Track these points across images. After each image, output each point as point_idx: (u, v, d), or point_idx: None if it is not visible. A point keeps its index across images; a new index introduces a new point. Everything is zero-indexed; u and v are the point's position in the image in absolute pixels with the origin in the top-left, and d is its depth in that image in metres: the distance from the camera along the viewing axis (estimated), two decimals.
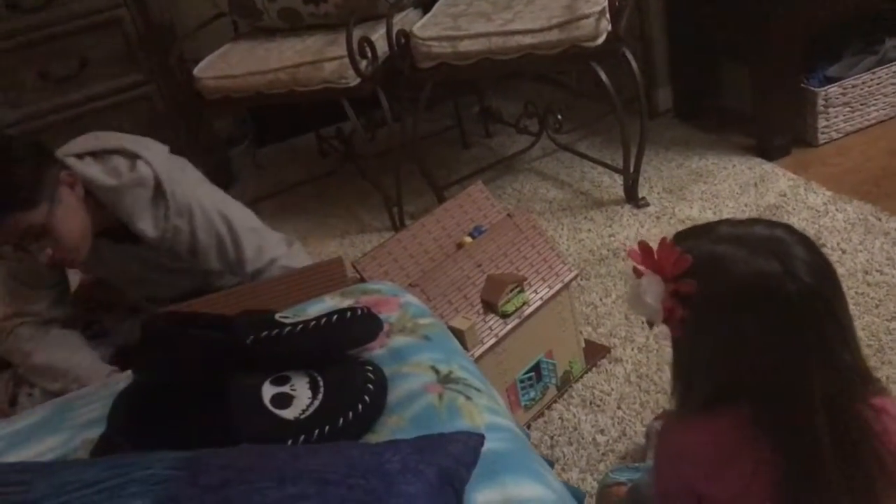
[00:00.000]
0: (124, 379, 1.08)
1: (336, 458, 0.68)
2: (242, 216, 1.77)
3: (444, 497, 0.68)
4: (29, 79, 2.57)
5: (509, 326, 1.62)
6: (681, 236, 1.00)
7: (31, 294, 1.71)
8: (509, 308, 1.62)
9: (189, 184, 1.71)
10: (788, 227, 0.96)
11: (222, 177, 2.83)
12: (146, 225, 1.65)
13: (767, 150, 2.42)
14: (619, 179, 2.43)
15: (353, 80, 2.28)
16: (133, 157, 1.65)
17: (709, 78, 2.71)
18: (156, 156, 1.68)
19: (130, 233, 1.67)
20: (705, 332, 0.95)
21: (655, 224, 2.24)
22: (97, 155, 1.65)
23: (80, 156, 1.64)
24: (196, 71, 2.42)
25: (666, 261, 0.95)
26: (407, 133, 2.45)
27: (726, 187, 2.33)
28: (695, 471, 0.99)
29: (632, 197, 2.36)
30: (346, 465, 0.67)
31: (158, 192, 1.65)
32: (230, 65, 2.42)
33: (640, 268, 0.97)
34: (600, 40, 2.13)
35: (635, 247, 0.99)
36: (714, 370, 0.96)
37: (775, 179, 2.31)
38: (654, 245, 0.97)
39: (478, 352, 1.56)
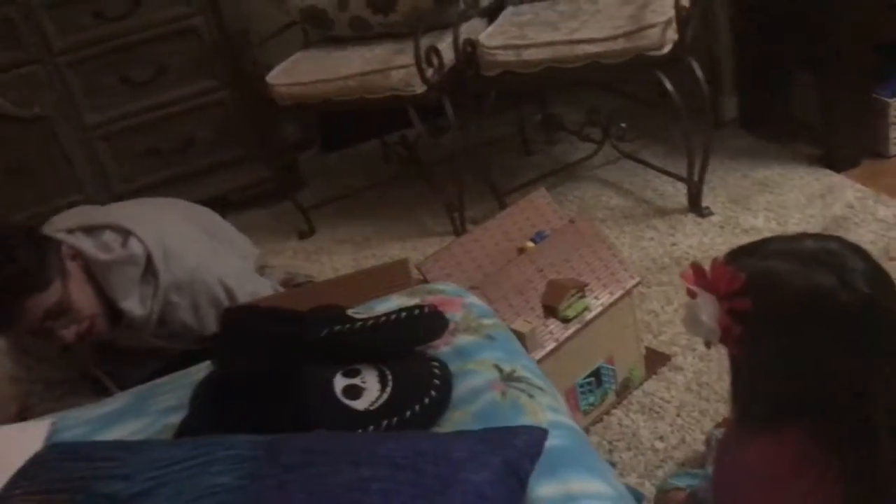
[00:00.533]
0: (204, 368, 1.14)
1: (406, 444, 0.72)
2: (241, 280, 1.76)
3: (509, 486, 0.71)
4: (111, 83, 2.69)
5: (570, 331, 1.64)
6: (732, 255, 1.00)
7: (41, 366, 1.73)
8: (570, 313, 1.64)
9: (190, 256, 1.68)
10: (840, 239, 0.96)
11: (290, 181, 2.92)
12: (133, 304, 1.63)
13: (835, 161, 2.39)
14: (682, 188, 2.43)
15: (420, 88, 2.34)
16: (125, 233, 1.63)
17: (776, 88, 2.68)
18: (148, 232, 1.65)
19: (115, 310, 1.65)
20: (763, 349, 0.95)
21: (719, 234, 2.23)
22: (87, 230, 1.64)
23: (70, 230, 1.63)
24: (269, 78, 2.50)
25: (719, 280, 0.95)
26: (470, 140, 2.49)
27: (792, 198, 2.31)
28: (756, 487, 1.00)
29: (695, 206, 2.35)
30: (415, 451, 0.71)
31: (149, 270, 1.63)
32: (301, 72, 2.50)
33: (694, 288, 0.98)
34: (666, 49, 2.13)
35: (688, 269, 1.00)
36: (773, 387, 0.96)
37: (843, 191, 2.28)
38: (707, 265, 0.97)
39: (538, 355, 1.58)
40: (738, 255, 0.99)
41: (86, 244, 1.61)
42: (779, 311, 0.93)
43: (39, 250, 1.54)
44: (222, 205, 2.95)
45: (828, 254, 0.93)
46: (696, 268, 0.98)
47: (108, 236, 1.63)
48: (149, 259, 1.63)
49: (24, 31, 2.57)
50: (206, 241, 1.80)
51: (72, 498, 0.75)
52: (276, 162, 2.86)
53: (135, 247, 1.62)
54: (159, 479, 0.72)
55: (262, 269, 1.97)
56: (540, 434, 0.77)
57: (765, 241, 1.01)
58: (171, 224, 1.74)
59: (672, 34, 2.13)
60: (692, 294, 0.98)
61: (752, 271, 0.94)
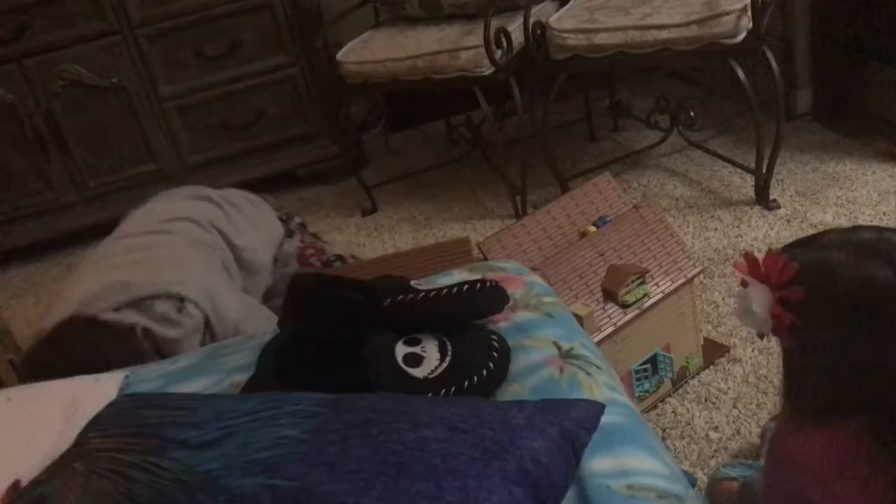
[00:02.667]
0: (270, 331, 1.18)
1: (466, 409, 0.74)
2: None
3: (565, 456, 0.73)
4: (186, 56, 2.76)
5: (628, 317, 1.63)
6: (788, 246, 0.99)
7: None
8: (630, 298, 1.64)
9: (227, 298, 1.61)
10: None
11: (355, 159, 2.96)
12: None
13: None
14: (749, 180, 2.39)
15: (488, 70, 2.34)
16: (178, 298, 1.54)
17: (853, 81, 2.61)
18: (197, 289, 1.56)
19: None
20: (815, 340, 0.94)
21: (785, 227, 2.19)
22: (134, 304, 1.52)
23: (116, 309, 1.51)
24: (339, 55, 2.54)
25: (772, 269, 0.94)
26: (536, 124, 2.49)
27: (864, 194, 2.25)
28: (807, 482, 0.99)
29: (762, 198, 2.31)
30: (475, 416, 0.73)
31: (207, 332, 1.57)
32: (371, 51, 2.53)
33: (747, 277, 0.97)
34: (740, 38, 2.10)
35: (741, 259, 0.99)
36: (824, 380, 0.95)
37: None
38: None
39: (595, 339, 1.58)
40: (793, 246, 0.98)
41: (147, 322, 1.51)
42: (831, 301, 0.91)
43: (126, 345, 1.45)
44: (289, 180, 3.02)
45: (884, 244, 0.91)
46: (749, 257, 0.97)
47: (162, 306, 1.53)
48: (207, 321, 1.57)
49: (106, 2, 2.65)
50: (237, 287, 1.75)
51: (145, 443, 0.79)
52: (342, 140, 2.90)
53: (193, 311, 1.55)
54: (228, 429, 0.76)
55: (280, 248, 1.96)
56: (597, 408, 0.79)
57: (821, 234, 0.99)
58: (210, 274, 1.68)
59: (747, 22, 2.09)
60: (745, 284, 0.97)
61: (805, 261, 0.93)
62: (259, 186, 2.99)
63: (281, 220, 2.07)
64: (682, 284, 1.70)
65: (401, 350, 0.98)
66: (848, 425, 0.93)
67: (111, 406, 0.90)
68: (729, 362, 1.79)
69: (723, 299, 1.98)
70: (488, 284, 1.08)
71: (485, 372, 0.97)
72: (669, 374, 1.74)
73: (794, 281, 0.92)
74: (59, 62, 2.69)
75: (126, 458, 0.78)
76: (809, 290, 0.92)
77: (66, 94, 2.73)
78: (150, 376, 1.16)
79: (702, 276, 1.93)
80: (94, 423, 0.88)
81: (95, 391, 1.16)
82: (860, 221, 2.14)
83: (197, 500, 0.71)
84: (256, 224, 1.95)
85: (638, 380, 1.69)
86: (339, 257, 2.02)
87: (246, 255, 1.86)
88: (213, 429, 0.76)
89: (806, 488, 0.98)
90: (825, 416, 0.95)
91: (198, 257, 1.73)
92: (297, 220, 2.16)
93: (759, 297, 0.95)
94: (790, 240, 2.04)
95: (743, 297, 0.98)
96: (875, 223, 2.11)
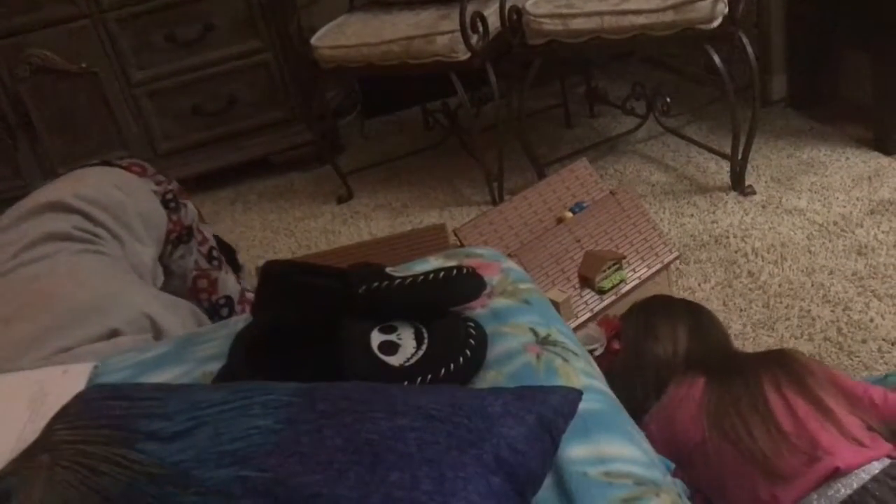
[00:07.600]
0: (243, 320, 1.16)
1: (442, 397, 0.73)
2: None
3: (543, 443, 0.72)
4: (158, 41, 2.72)
5: (605, 303, 1.63)
6: (641, 305, 1.50)
7: None
8: (606, 285, 1.64)
9: (166, 311, 1.39)
10: (696, 318, 1.43)
11: (330, 146, 2.93)
12: None
13: (886, 144, 2.34)
14: (725, 166, 2.39)
15: (464, 55, 2.32)
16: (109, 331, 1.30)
17: (828, 67, 2.62)
18: (127, 312, 1.32)
19: None
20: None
21: (760, 213, 2.20)
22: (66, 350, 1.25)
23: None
24: (313, 40, 2.51)
25: (609, 326, 1.46)
26: (512, 110, 2.48)
27: (837, 179, 2.27)
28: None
29: (738, 184, 2.32)
30: (451, 404, 0.72)
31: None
32: (346, 35, 2.50)
33: (598, 323, 1.50)
34: (716, 23, 2.10)
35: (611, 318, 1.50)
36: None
37: (892, 174, 2.23)
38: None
39: (572, 325, 1.58)
40: (641, 308, 1.48)
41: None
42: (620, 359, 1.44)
43: None
44: (263, 167, 2.99)
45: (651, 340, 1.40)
46: (608, 319, 1.49)
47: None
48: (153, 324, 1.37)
49: None
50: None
51: (113, 434, 0.77)
52: (317, 126, 2.87)
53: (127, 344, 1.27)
54: (199, 419, 0.74)
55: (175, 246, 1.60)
56: (574, 395, 0.78)
57: (657, 304, 1.49)
58: (128, 284, 1.40)
59: (723, 7, 2.09)
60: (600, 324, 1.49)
61: (625, 326, 1.45)
62: (232, 173, 2.97)
63: (167, 201, 1.60)
64: (659, 270, 1.70)
65: (376, 338, 0.97)
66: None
67: (79, 397, 0.88)
68: None
69: (699, 285, 1.98)
70: (465, 271, 1.07)
71: (461, 359, 0.96)
72: None
73: (615, 337, 1.44)
74: (26, 46, 2.63)
75: (93, 451, 0.76)
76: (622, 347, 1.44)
77: (35, 80, 2.68)
78: (119, 366, 1.14)
79: (678, 261, 1.93)
80: (62, 415, 0.86)
81: (63, 381, 1.13)
82: (834, 206, 2.15)
83: (167, 492, 0.69)
84: (130, 221, 1.49)
85: None
86: (228, 300, 1.64)
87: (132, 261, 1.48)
88: (184, 419, 0.74)
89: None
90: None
91: (99, 267, 1.36)
92: (192, 208, 1.66)
93: (588, 338, 1.43)
94: (766, 226, 2.14)
95: (584, 331, 1.45)
96: (849, 208, 2.13)
